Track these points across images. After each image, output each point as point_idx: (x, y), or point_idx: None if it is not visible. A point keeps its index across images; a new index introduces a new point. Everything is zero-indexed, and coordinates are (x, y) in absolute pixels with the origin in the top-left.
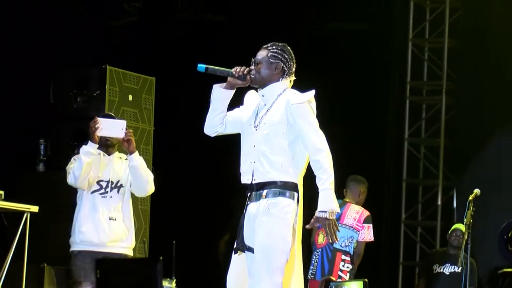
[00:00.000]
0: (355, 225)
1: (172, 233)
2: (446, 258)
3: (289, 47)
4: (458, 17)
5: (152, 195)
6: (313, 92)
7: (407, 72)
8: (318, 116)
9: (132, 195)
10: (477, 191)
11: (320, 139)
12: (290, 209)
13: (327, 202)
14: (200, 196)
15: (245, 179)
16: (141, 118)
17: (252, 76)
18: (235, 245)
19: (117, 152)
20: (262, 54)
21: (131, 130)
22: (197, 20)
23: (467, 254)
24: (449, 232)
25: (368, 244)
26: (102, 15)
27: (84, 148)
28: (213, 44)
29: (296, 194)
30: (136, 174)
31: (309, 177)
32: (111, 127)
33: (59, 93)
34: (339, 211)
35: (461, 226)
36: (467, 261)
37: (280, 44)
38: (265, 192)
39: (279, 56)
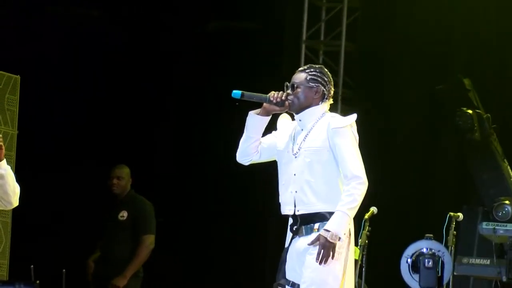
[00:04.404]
0: None
1: (35, 250)
2: None
3: (326, 69)
4: (356, 18)
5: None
6: (355, 116)
7: None
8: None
9: None
10: (373, 209)
11: (359, 165)
12: (343, 243)
13: (336, 224)
14: (67, 209)
15: (286, 209)
16: (4, 121)
17: (290, 101)
18: (276, 280)
19: None
20: (300, 77)
21: (1, 135)
22: (69, 14)
23: (361, 280)
24: None
25: None
26: None
27: None
28: (88, 41)
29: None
30: (3, 184)
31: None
32: None
33: None
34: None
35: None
36: None
37: (317, 66)
38: (317, 225)
39: (319, 79)
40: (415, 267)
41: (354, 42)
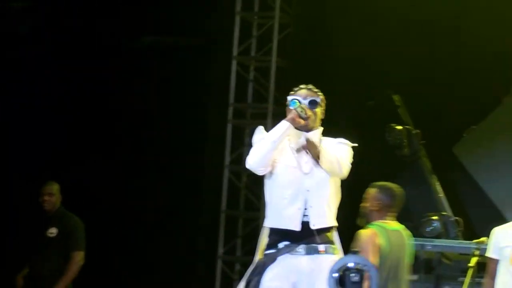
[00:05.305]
0: None
1: None
2: None
3: None
4: (287, 34)
5: None
6: (355, 145)
7: (230, 93)
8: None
9: None
10: None
11: (348, 163)
12: None
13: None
14: None
15: (291, 224)
16: None
17: (311, 117)
18: (250, 281)
19: None
20: (318, 97)
21: None
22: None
23: None
24: None
25: None
26: None
27: None
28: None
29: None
30: None
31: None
32: None
33: None
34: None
35: None
36: None
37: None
38: (322, 247)
39: (325, 103)
40: (342, 282)
41: (285, 58)
